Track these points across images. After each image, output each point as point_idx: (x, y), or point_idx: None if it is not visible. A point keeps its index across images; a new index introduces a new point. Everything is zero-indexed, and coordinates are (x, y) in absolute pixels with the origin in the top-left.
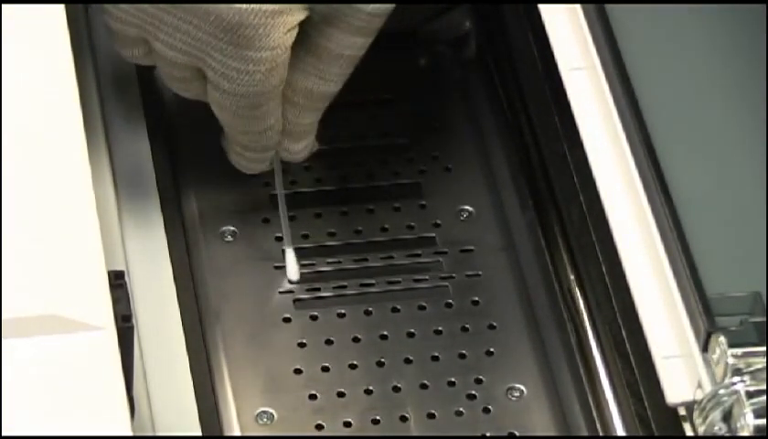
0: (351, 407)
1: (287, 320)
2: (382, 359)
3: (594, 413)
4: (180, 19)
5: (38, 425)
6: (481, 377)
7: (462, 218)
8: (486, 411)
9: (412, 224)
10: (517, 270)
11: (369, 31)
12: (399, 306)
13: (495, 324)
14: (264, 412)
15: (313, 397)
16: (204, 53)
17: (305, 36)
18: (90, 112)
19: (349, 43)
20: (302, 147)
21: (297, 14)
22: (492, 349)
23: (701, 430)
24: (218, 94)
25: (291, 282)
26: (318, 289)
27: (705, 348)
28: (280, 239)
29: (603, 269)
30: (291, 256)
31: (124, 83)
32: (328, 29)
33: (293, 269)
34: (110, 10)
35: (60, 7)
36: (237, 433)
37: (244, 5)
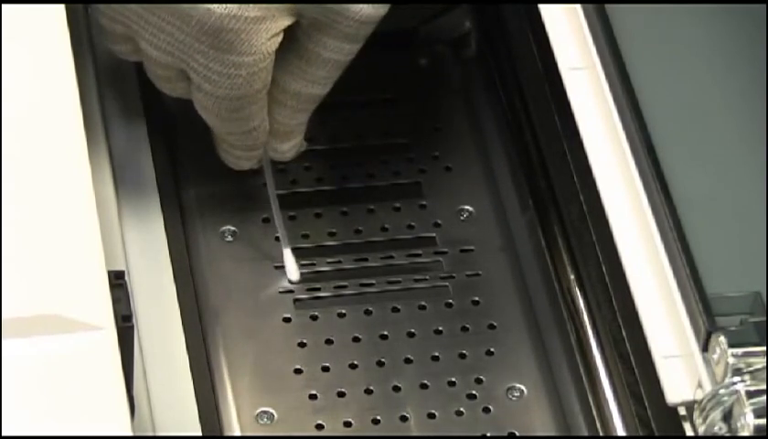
0: (351, 407)
1: (287, 320)
2: (382, 359)
3: (594, 413)
4: (163, 20)
5: (38, 425)
6: (481, 377)
7: (462, 218)
8: (486, 411)
9: (412, 224)
10: (517, 270)
11: (358, 38)
12: (399, 306)
13: (495, 324)
14: (264, 412)
15: (313, 397)
16: (186, 55)
17: (295, 39)
18: (90, 112)
19: (338, 48)
20: (289, 147)
21: (281, 20)
22: (492, 349)
23: (701, 430)
24: (200, 95)
25: (291, 282)
26: (318, 289)
27: (705, 348)
28: (280, 238)
29: (603, 269)
30: (289, 256)
31: (124, 83)
32: (317, 34)
33: (292, 268)
34: (98, 7)
35: (60, 7)
36: (237, 433)
37: (225, 11)
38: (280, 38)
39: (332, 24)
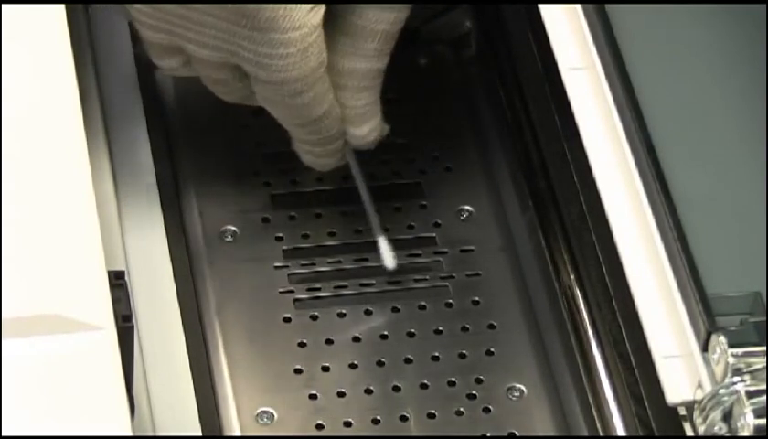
0: (351, 407)
1: (287, 320)
2: (382, 359)
3: (594, 413)
4: (203, 13)
5: (38, 425)
6: (481, 377)
7: (462, 218)
8: (486, 411)
9: (412, 224)
10: (517, 270)
11: (399, 6)
12: (399, 306)
13: (495, 324)
14: (264, 412)
15: (313, 397)
16: (234, 45)
17: (337, 16)
18: (90, 112)
19: (381, 18)
20: (367, 131)
21: None
22: (492, 349)
23: (701, 430)
24: (260, 87)
25: (388, 270)
26: (318, 289)
27: (705, 348)
28: (280, 239)
29: (603, 269)
30: (384, 244)
31: (124, 83)
32: (357, 7)
33: (388, 256)
34: (137, 17)
35: (60, 7)
36: (237, 433)
37: None
38: (322, 10)
39: None
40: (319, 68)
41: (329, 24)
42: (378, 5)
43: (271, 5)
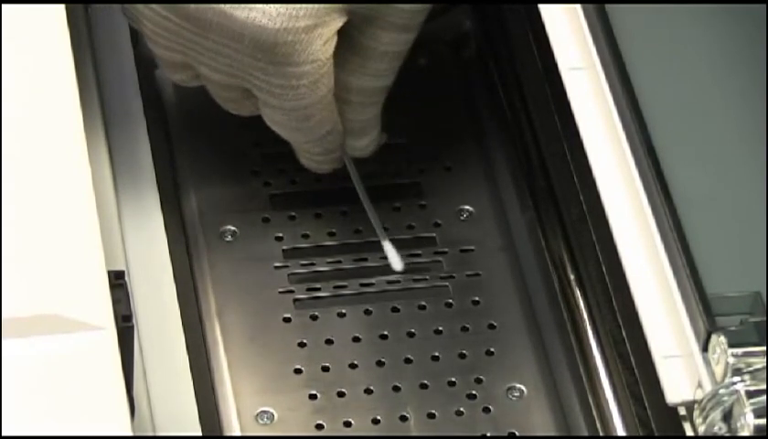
0: (351, 407)
1: (287, 320)
2: (382, 359)
3: (594, 413)
4: (218, 43)
5: (38, 425)
6: (481, 377)
7: (462, 218)
8: (486, 411)
9: (412, 224)
10: (516, 270)
11: (412, 27)
12: (399, 306)
13: (495, 324)
14: (264, 412)
15: (313, 397)
16: (247, 73)
17: (348, 37)
18: (90, 112)
19: (393, 40)
20: (367, 143)
21: (333, 23)
22: (492, 349)
23: (701, 430)
24: (269, 110)
25: (396, 272)
26: (318, 289)
27: (705, 348)
28: (280, 239)
29: (603, 269)
30: (390, 247)
31: (124, 83)
32: (370, 29)
33: (395, 259)
34: (151, 37)
35: (60, 7)
36: (237, 433)
37: (277, 25)
38: (335, 41)
39: (383, 17)
40: (327, 94)
41: (340, 42)
42: (392, 28)
43: (289, 41)
